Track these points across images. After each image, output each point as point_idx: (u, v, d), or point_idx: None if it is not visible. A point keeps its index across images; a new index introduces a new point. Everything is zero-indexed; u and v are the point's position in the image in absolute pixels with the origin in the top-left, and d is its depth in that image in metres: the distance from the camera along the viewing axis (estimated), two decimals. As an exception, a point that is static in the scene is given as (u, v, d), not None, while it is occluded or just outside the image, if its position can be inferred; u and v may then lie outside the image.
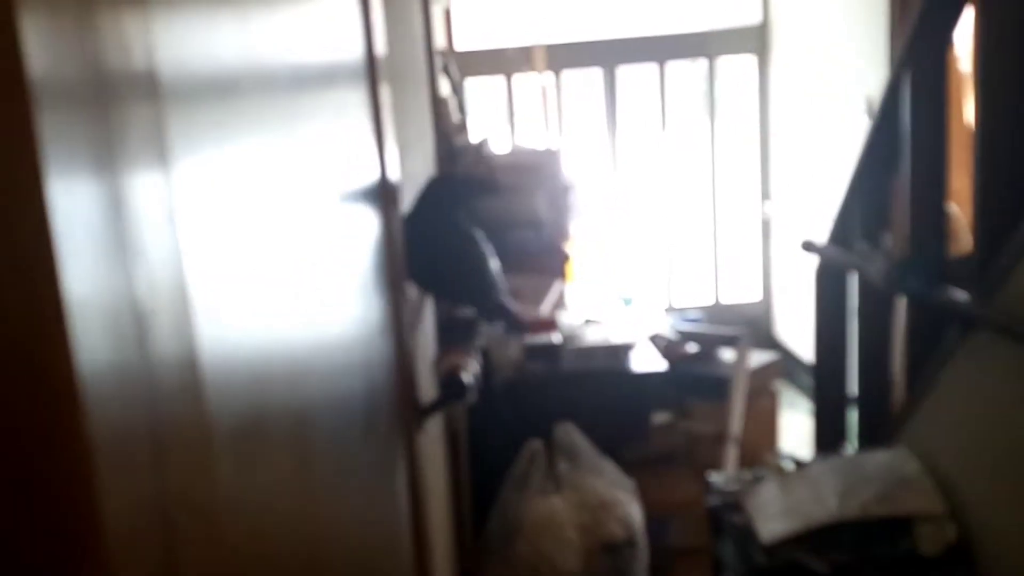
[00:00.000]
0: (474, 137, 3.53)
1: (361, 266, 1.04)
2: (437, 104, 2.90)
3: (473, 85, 4.97)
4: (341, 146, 0.98)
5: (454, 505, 2.35)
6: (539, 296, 3.45)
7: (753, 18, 4.97)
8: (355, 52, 1.10)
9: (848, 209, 2.34)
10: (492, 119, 4.90)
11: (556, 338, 3.02)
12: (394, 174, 1.30)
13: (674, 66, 5.07)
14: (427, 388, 1.54)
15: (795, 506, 1.94)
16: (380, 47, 1.21)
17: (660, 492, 2.95)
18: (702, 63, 5.07)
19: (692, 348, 3.78)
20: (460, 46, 4.86)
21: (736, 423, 3.40)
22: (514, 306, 1.65)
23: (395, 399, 1.25)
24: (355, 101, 1.08)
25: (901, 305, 2.28)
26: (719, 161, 5.22)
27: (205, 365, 0.49)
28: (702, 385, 3.66)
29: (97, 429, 0.36)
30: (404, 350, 1.32)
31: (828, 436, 2.58)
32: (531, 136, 4.83)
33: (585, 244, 4.34)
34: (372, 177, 1.15)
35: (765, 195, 5.18)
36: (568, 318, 3.26)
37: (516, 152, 3.65)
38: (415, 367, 1.42)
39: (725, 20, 4.99)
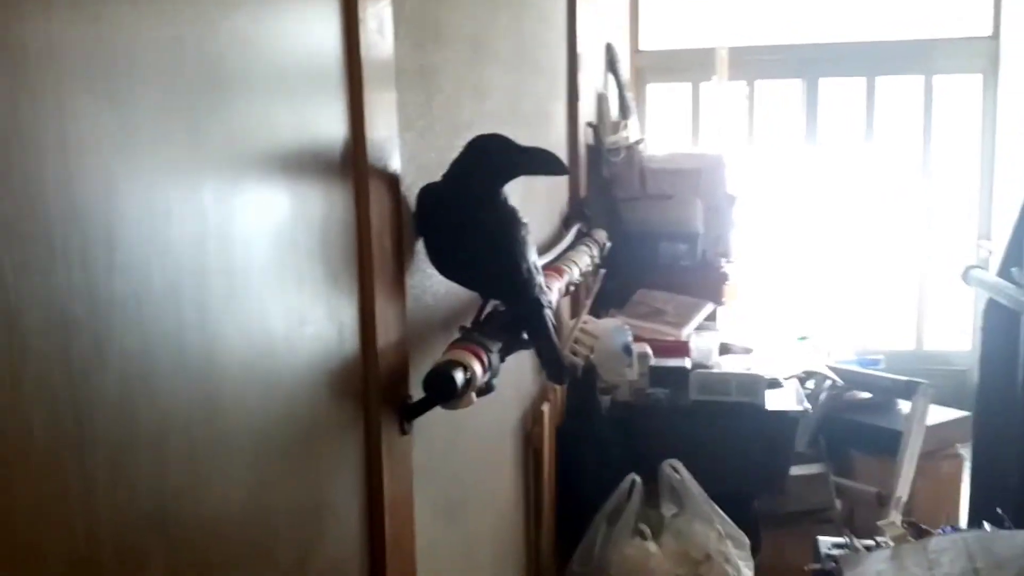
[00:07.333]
0: (631, 137, 3.25)
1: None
2: (574, 97, 2.67)
3: (659, 89, 4.67)
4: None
5: (530, 530, 2.10)
6: (684, 318, 3.11)
7: (982, 30, 4.34)
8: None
9: (1020, 235, 1.86)
10: (674, 126, 4.58)
11: (687, 363, 2.69)
12: (382, 157, 1.09)
13: (885, 81, 4.53)
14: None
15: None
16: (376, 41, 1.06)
17: (788, 555, 2.54)
18: (918, 79, 4.48)
19: (862, 395, 3.32)
20: (647, 44, 4.59)
21: (903, 485, 2.90)
22: (550, 318, 1.36)
23: (355, 391, 1.05)
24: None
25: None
26: (933, 189, 4.60)
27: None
28: (869, 437, 3.19)
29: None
30: (376, 348, 1.10)
31: (983, 506, 2.09)
32: (703, 143, 4.46)
33: (754, 265, 3.93)
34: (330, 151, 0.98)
35: (984, 229, 4.51)
36: (709, 343, 2.91)
37: (674, 156, 3.34)
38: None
39: (947, 30, 4.39)
